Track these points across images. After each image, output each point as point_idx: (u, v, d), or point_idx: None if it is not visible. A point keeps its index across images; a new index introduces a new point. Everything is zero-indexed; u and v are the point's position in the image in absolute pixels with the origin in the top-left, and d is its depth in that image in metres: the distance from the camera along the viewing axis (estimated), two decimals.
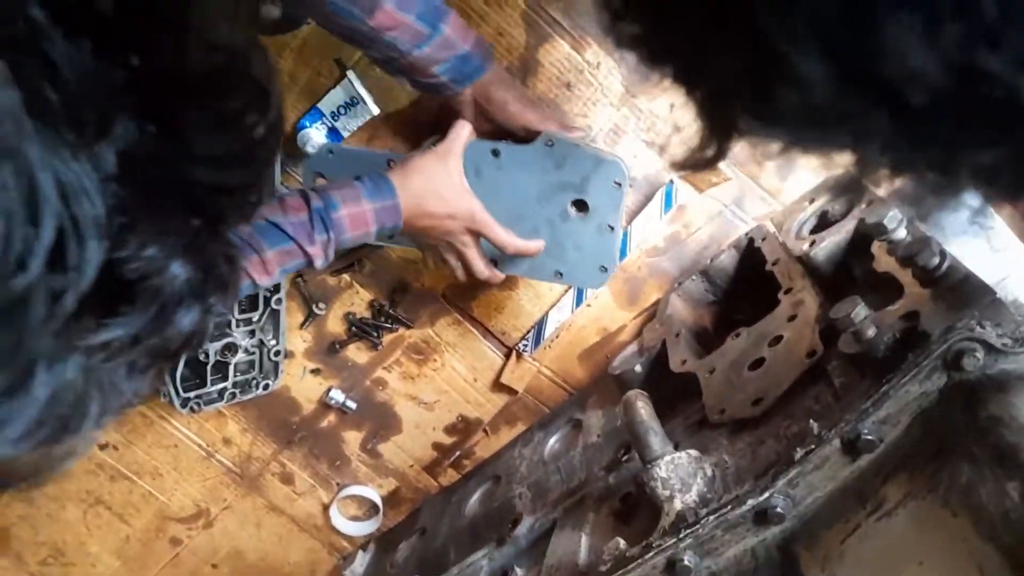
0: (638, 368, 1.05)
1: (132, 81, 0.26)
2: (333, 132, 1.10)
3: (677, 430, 0.84)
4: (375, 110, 1.08)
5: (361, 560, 1.34)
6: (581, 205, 1.03)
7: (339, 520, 1.37)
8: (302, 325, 1.24)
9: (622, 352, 1.15)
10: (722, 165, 1.11)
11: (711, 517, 0.60)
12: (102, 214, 0.25)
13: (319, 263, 0.90)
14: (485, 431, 1.31)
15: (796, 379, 0.72)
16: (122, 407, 0.32)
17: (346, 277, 1.21)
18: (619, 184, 1.00)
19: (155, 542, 1.41)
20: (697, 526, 0.60)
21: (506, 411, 1.29)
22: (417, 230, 0.97)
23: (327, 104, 1.09)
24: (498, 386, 1.27)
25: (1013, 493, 0.44)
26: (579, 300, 1.19)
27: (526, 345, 1.23)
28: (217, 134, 0.31)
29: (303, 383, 1.29)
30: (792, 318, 0.82)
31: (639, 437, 0.73)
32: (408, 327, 1.24)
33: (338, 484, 1.36)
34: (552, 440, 1.18)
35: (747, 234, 1.08)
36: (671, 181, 1.12)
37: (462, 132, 0.99)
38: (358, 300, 1.23)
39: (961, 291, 0.55)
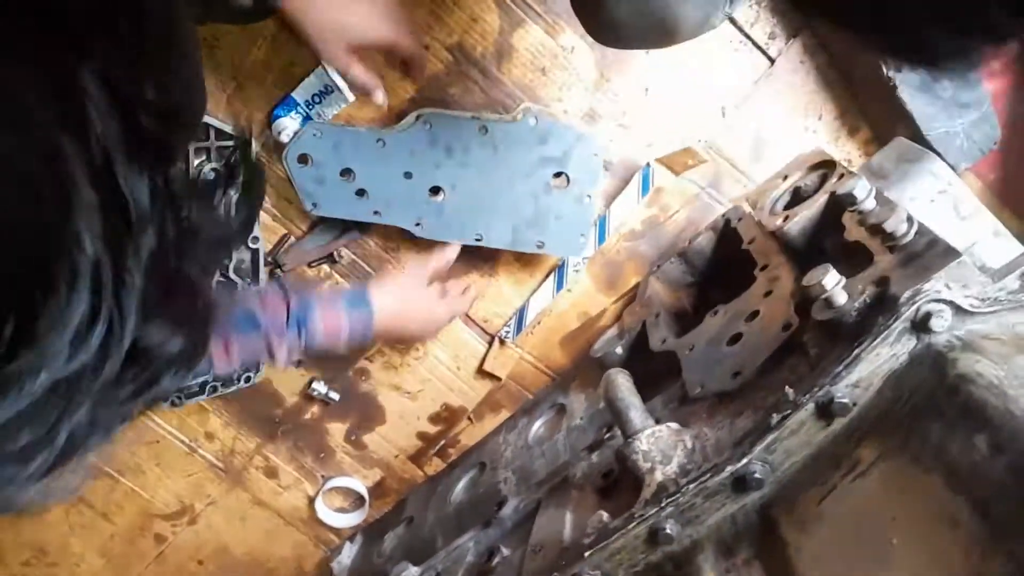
0: (619, 350, 1.06)
1: (156, 195, 0.32)
2: (308, 121, 1.09)
3: (658, 408, 0.85)
4: (350, 97, 1.08)
5: (348, 551, 1.34)
6: (559, 176, 1.09)
7: (325, 512, 1.37)
8: None
9: (603, 336, 1.16)
10: (698, 147, 1.12)
11: (691, 486, 0.61)
12: (137, 305, 0.31)
13: (281, 363, 0.92)
14: (469, 419, 1.31)
15: (773, 351, 0.73)
16: (108, 440, 0.37)
17: (325, 268, 1.21)
18: (597, 156, 1.08)
19: (139, 540, 1.40)
20: (678, 495, 0.61)
21: (490, 398, 1.30)
22: (387, 341, 1.04)
23: (301, 93, 1.09)
24: (481, 373, 1.27)
25: (981, 445, 0.45)
26: (560, 285, 1.20)
27: (508, 332, 1.23)
28: (218, 223, 0.39)
29: (285, 375, 1.28)
30: (768, 293, 0.83)
31: (620, 412, 0.73)
32: None
33: (323, 476, 1.36)
34: (536, 425, 1.19)
35: (724, 215, 1.09)
36: (648, 164, 1.13)
37: (445, 257, 1.07)
38: None
39: (929, 255, 0.56)
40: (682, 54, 1.09)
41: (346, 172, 1.08)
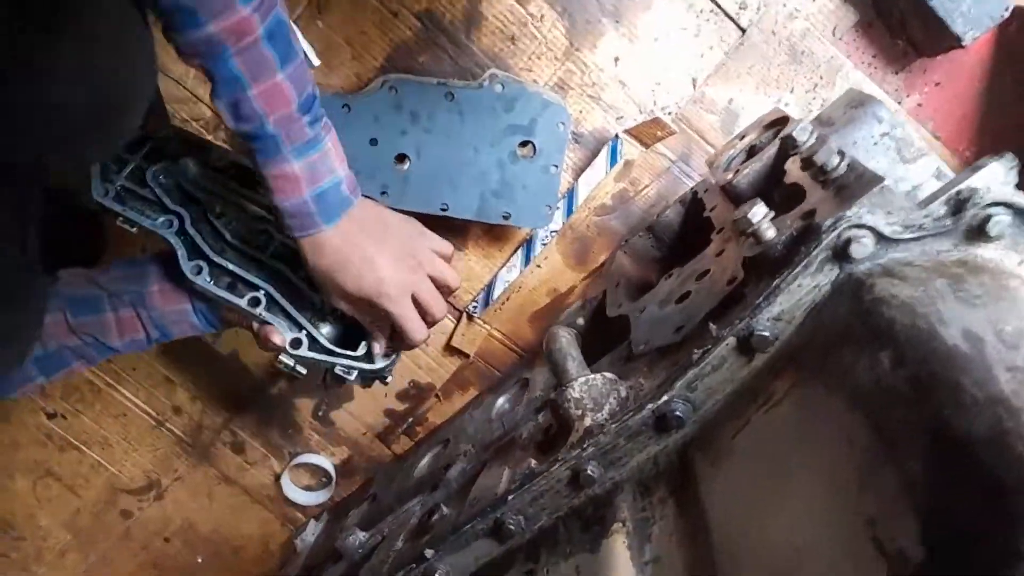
0: (580, 321, 1.04)
1: None
2: None
3: (604, 367, 0.82)
4: (316, 62, 1.08)
5: (313, 529, 1.32)
6: (526, 146, 1.08)
7: (291, 490, 1.35)
8: None
9: (568, 309, 1.14)
10: (667, 119, 1.11)
11: (613, 426, 0.59)
12: None
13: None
14: (437, 396, 1.30)
15: (716, 305, 0.71)
16: None
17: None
18: (563, 125, 1.06)
19: (106, 514, 1.39)
20: (599, 435, 0.59)
21: (458, 376, 1.28)
22: None
23: None
24: (449, 350, 1.26)
25: (885, 361, 0.43)
26: (527, 259, 1.18)
27: (475, 307, 1.22)
28: None
29: (253, 348, 1.26)
30: (720, 253, 0.81)
31: (556, 363, 0.72)
32: None
33: (290, 453, 1.34)
34: (500, 400, 1.16)
35: (692, 188, 1.07)
36: (616, 136, 1.12)
37: None
38: None
39: (855, 185, 0.54)
40: (652, 24, 1.08)
41: None
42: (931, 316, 0.43)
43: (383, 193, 1.10)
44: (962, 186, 0.50)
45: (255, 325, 0.89)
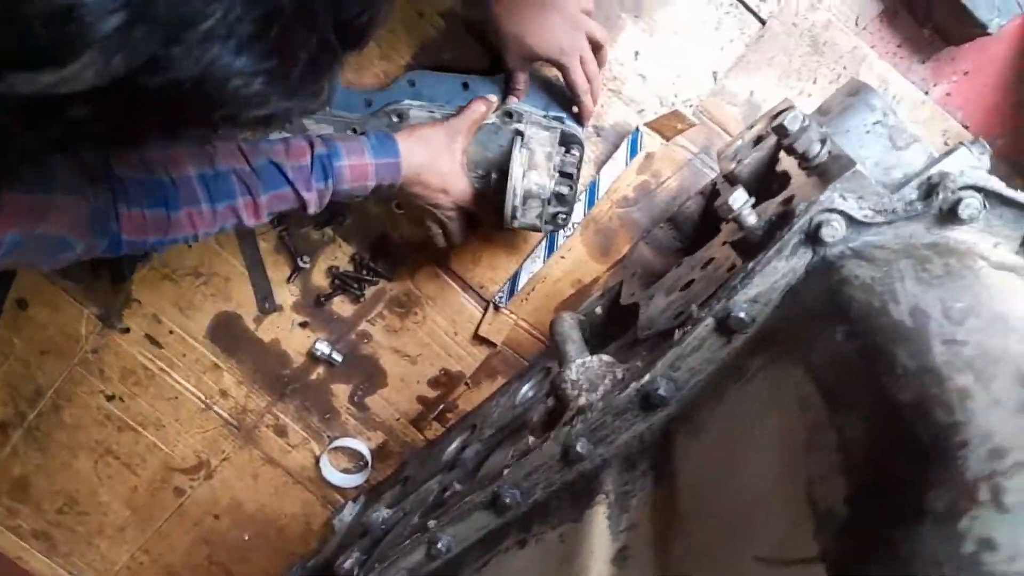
0: (598, 310, 1.06)
1: None
2: None
3: (611, 351, 0.85)
4: None
5: (350, 509, 1.38)
6: None
7: (330, 472, 1.42)
8: (289, 279, 1.29)
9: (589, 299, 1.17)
10: (688, 112, 1.12)
11: (600, 404, 0.62)
12: None
13: (312, 209, 0.89)
14: (467, 384, 1.34)
15: (714, 291, 0.73)
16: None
17: (328, 231, 1.26)
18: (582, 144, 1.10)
19: (161, 492, 1.48)
20: (587, 413, 0.62)
21: (487, 365, 1.32)
22: (408, 195, 1.00)
23: None
24: (477, 339, 1.30)
25: (839, 335, 0.45)
26: (550, 249, 1.21)
27: (501, 297, 1.25)
28: None
29: (292, 336, 1.34)
30: (725, 242, 0.83)
31: (557, 346, 0.75)
32: (388, 280, 1.28)
33: (329, 437, 1.41)
34: (525, 387, 1.20)
35: (712, 180, 1.09)
36: (637, 128, 1.14)
37: (477, 110, 1.02)
38: (340, 254, 1.28)
39: (832, 170, 0.56)
40: (672, 18, 1.10)
41: None
42: (886, 295, 0.45)
43: None
44: (933, 171, 0.51)
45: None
